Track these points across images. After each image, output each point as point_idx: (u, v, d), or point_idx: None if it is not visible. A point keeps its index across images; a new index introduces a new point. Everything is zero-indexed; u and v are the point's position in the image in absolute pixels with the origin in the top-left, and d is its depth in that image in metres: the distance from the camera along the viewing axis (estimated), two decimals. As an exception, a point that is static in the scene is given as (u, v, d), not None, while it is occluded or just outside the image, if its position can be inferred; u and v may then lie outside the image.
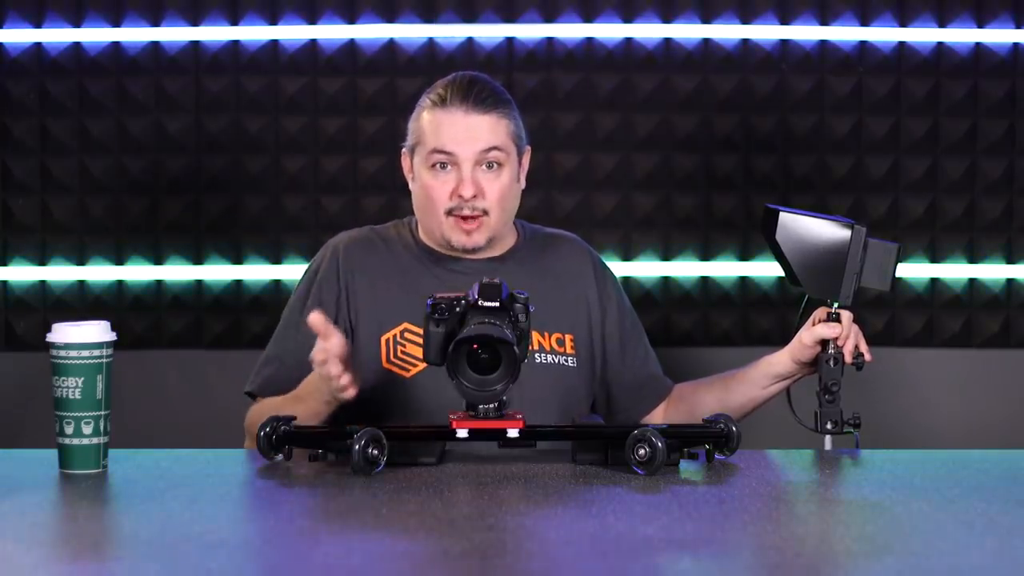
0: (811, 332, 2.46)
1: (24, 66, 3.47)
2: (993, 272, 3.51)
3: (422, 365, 2.53)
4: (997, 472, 2.22)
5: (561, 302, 2.63)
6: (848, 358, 2.44)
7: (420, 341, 2.53)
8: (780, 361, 2.53)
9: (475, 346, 2.13)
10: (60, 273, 3.50)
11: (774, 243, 2.54)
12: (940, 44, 3.48)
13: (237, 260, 3.50)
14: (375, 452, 2.13)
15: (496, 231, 2.60)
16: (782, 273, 2.55)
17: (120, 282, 3.50)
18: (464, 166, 2.56)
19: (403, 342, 2.57)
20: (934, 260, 3.51)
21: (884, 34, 3.48)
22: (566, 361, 2.61)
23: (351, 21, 3.47)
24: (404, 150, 2.66)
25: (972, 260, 3.51)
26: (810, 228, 2.48)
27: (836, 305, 2.45)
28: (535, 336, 2.56)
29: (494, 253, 2.65)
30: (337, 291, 2.62)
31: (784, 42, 3.49)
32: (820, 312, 2.48)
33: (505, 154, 2.59)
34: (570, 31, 3.48)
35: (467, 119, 2.57)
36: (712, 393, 2.64)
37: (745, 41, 3.49)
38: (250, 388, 2.63)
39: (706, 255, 3.53)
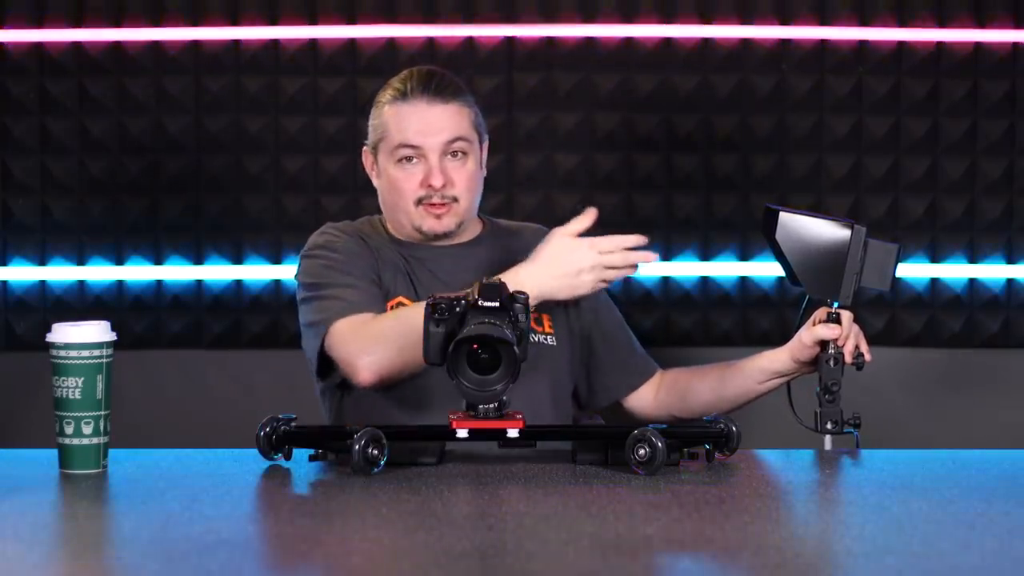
0: (811, 332, 2.46)
1: (24, 66, 3.47)
2: (993, 272, 3.51)
3: None
4: (997, 472, 2.22)
5: None
6: (848, 358, 2.44)
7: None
8: (779, 359, 2.54)
9: (475, 346, 2.13)
10: (60, 273, 3.50)
11: (774, 243, 2.54)
12: (940, 44, 3.48)
13: (237, 260, 3.50)
14: (375, 452, 2.13)
15: (464, 217, 2.64)
16: (782, 273, 2.55)
17: (120, 282, 3.50)
18: (431, 157, 2.59)
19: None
20: (934, 260, 3.51)
21: (884, 34, 3.48)
22: (546, 340, 2.62)
23: (351, 21, 3.47)
24: (366, 148, 2.67)
25: (972, 260, 3.51)
26: (810, 228, 2.48)
27: (836, 305, 2.45)
28: None
29: (462, 239, 2.67)
30: (368, 248, 2.62)
31: (784, 42, 3.49)
32: (820, 312, 2.48)
33: (469, 143, 2.62)
34: (570, 31, 3.48)
35: (431, 110, 2.59)
36: (706, 382, 2.64)
37: (745, 41, 3.49)
38: (322, 318, 2.54)
39: (706, 255, 3.53)
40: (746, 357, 2.59)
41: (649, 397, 2.70)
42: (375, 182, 2.68)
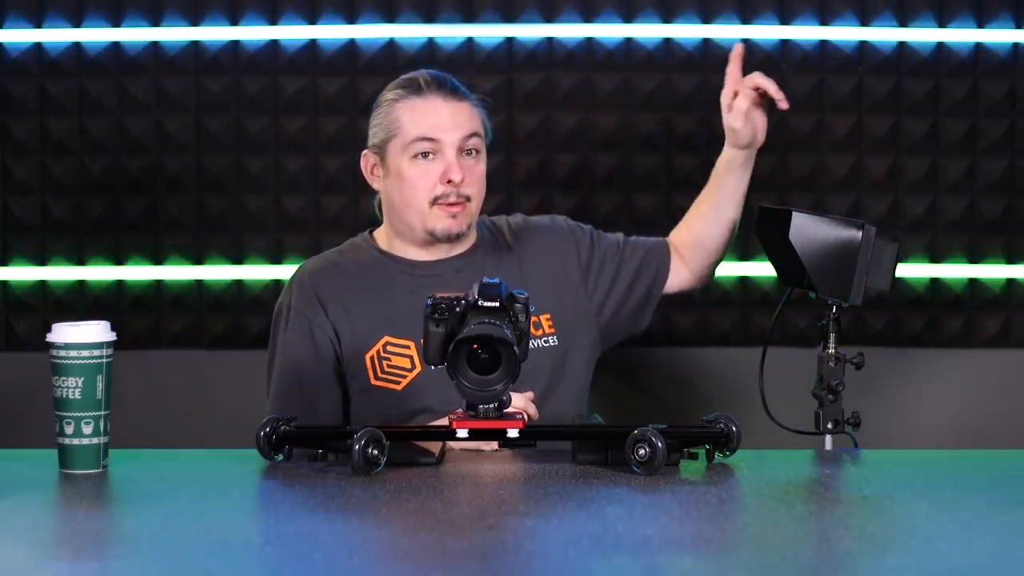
0: (734, 115, 2.65)
1: (24, 66, 3.47)
2: (993, 272, 3.51)
3: (411, 375, 2.54)
4: (997, 472, 2.22)
5: (531, 285, 2.60)
6: (777, 95, 2.61)
7: (404, 352, 2.54)
8: (729, 156, 2.70)
9: (475, 346, 2.13)
10: (60, 273, 3.50)
11: (769, 242, 2.54)
12: (940, 44, 3.48)
13: (237, 260, 3.50)
14: (375, 452, 2.13)
15: (473, 219, 2.63)
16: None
17: (120, 282, 3.50)
18: (448, 152, 2.57)
19: (387, 355, 2.57)
20: (934, 260, 3.51)
21: (884, 34, 3.48)
22: (546, 342, 2.62)
23: (351, 21, 3.47)
24: (367, 151, 2.65)
25: (972, 260, 3.51)
26: (823, 228, 2.48)
27: (845, 304, 2.46)
28: None
29: (465, 247, 2.65)
30: (321, 313, 2.60)
31: (784, 42, 3.49)
32: (727, 98, 2.67)
33: (481, 140, 2.61)
34: (570, 31, 3.48)
35: (448, 105, 2.59)
36: (705, 225, 2.80)
37: (745, 41, 3.48)
38: (269, 387, 2.65)
39: (706, 255, 3.52)
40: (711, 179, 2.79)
41: (681, 272, 2.80)
42: (378, 185, 2.65)
